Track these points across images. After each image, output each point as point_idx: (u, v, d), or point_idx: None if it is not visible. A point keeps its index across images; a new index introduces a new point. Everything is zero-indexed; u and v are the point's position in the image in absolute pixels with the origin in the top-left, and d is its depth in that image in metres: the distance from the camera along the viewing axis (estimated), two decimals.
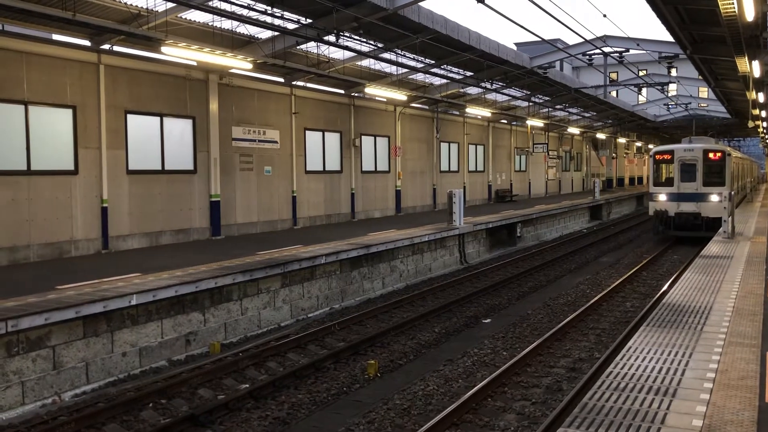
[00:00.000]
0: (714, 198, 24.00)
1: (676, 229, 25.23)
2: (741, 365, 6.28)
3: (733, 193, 21.90)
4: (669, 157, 25.54)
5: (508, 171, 41.55)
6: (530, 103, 35.70)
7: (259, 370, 10.86)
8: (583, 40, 25.36)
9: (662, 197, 25.43)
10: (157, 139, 17.96)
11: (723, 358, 6.51)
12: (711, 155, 24.81)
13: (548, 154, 45.43)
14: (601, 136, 53.32)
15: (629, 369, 6.23)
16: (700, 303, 9.07)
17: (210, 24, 17.39)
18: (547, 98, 35.91)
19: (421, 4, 18.39)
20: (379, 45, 21.09)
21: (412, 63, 23.37)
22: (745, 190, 41.30)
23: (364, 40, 20.33)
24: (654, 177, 26.07)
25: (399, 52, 21.85)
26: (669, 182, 25.55)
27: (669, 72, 36.73)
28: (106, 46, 16.36)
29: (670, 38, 18.69)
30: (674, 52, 26.04)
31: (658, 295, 15.65)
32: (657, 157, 26.01)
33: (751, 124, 33.61)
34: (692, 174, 24.90)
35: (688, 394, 5.53)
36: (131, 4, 15.48)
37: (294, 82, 22.70)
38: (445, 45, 21.67)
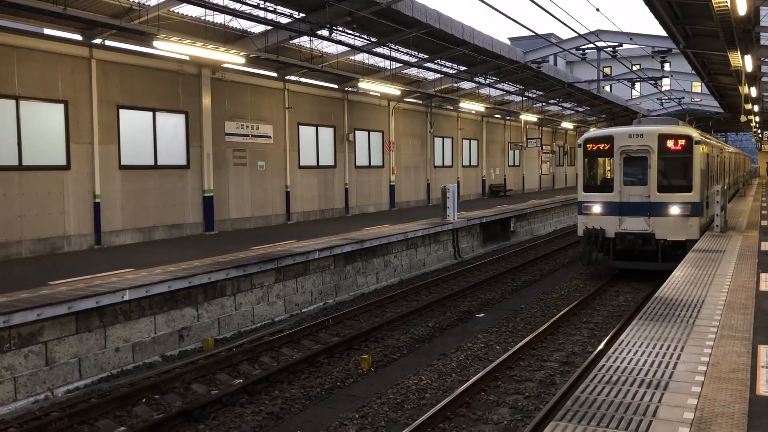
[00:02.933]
0: (675, 210, 15.89)
1: (617, 258, 16.80)
2: (732, 358, 6.31)
3: (708, 200, 17.72)
4: (607, 146, 16.78)
5: (501, 166, 41.59)
6: (524, 98, 35.71)
7: (253, 365, 10.85)
8: (576, 35, 25.35)
9: (596, 209, 16.72)
10: (150, 134, 17.89)
11: (714, 351, 6.53)
12: (670, 143, 16.05)
13: (542, 148, 45.50)
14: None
15: (621, 362, 6.25)
16: (692, 297, 9.10)
17: (202, 18, 17.30)
18: (540, 93, 35.92)
19: None
20: (373, 39, 21.04)
21: (406, 57, 23.32)
22: (737, 184, 41.08)
23: (358, 34, 20.27)
24: (585, 178, 17.31)
25: (393, 46, 21.80)
26: (607, 186, 16.84)
27: (662, 66, 36.73)
28: (98, 41, 16.27)
29: (663, 33, 18.73)
30: (667, 46, 26.00)
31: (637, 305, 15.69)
32: (589, 146, 17.16)
33: (743, 118, 33.68)
34: (641, 173, 16.34)
35: (679, 387, 5.55)
36: None
37: (287, 77, 22.63)
38: (439, 39, 21.63)
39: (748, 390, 5.45)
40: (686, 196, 15.96)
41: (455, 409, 8.54)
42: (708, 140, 19.05)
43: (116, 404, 8.93)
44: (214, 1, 15.44)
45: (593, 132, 17.83)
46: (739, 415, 4.91)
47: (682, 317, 7.97)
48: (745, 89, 22.03)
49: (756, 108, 30.94)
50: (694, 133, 16.37)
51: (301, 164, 23.74)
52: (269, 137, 22.05)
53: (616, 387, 5.59)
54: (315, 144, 24.57)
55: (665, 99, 43.56)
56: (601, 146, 16.91)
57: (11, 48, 14.43)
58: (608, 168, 17.09)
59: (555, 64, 55.20)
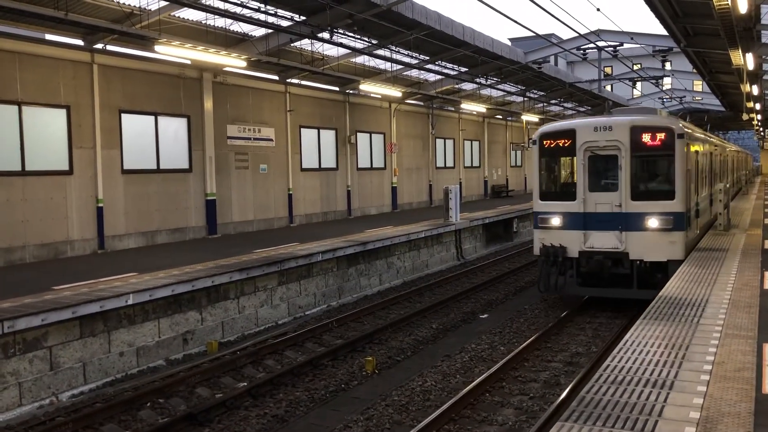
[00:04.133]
0: (653, 223, 12.73)
1: (583, 283, 13.52)
2: (738, 357, 6.29)
3: (698, 207, 14.95)
4: (567, 143, 13.60)
5: (503, 166, 41.59)
6: (525, 99, 35.70)
7: (257, 368, 10.85)
8: (577, 35, 25.36)
9: (555, 221, 13.58)
10: (152, 139, 17.91)
11: (720, 350, 6.52)
12: (646, 138, 12.90)
13: None
14: None
15: (626, 362, 6.24)
16: (696, 295, 9.09)
17: (203, 22, 17.34)
18: (542, 93, 35.91)
19: (414, 0, 18.37)
20: (374, 41, 21.06)
21: (407, 59, 23.34)
22: (740, 183, 40.88)
23: (359, 36, 20.30)
24: (541, 183, 14.17)
25: (393, 48, 21.82)
26: (568, 192, 13.65)
27: (663, 65, 36.71)
28: (100, 46, 16.30)
29: (664, 32, 18.72)
30: (668, 45, 25.98)
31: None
32: (545, 143, 13.96)
33: (745, 116, 33.63)
34: (611, 176, 13.24)
35: (685, 386, 5.54)
36: (124, 3, 15.42)
37: (288, 80, 22.66)
38: (440, 41, 21.65)
39: (753, 389, 5.44)
40: (667, 204, 12.74)
41: (460, 411, 8.54)
42: (697, 134, 15.60)
43: (121, 408, 8.93)
44: (215, 5, 15.47)
45: (551, 125, 14.15)
46: (745, 414, 4.90)
47: (686, 316, 7.96)
48: (746, 87, 22.00)
49: (758, 106, 30.91)
50: (677, 125, 12.99)
51: (303, 167, 23.76)
52: (271, 140, 22.07)
53: (622, 387, 5.58)
54: (317, 146, 24.58)
55: (666, 98, 43.52)
56: (561, 142, 13.62)
57: (13, 54, 14.47)
58: (570, 170, 13.94)
59: (556, 64, 55.19)
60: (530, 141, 14.34)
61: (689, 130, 14.04)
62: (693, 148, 14.13)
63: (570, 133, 13.53)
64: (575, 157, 13.48)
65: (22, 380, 9.26)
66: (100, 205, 16.36)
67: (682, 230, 12.77)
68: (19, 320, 9.07)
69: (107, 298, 10.29)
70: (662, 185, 13.14)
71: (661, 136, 12.83)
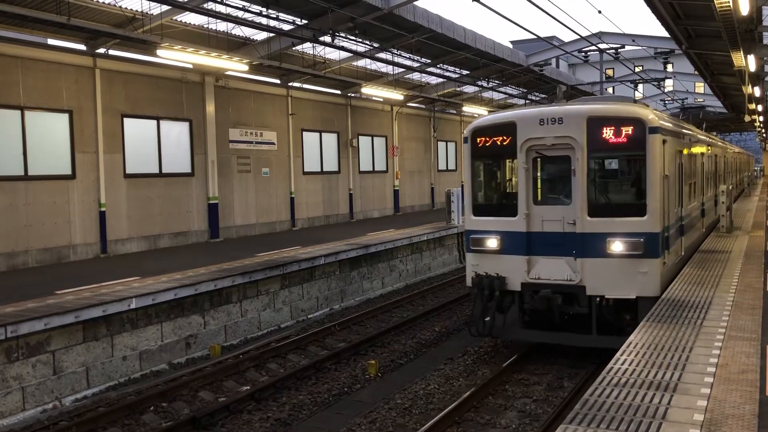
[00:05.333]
0: (617, 247, 9.68)
1: (528, 325, 10.48)
2: (741, 359, 6.28)
3: (682, 223, 11.86)
4: (507, 140, 10.50)
5: None
6: (527, 101, 35.70)
7: (260, 372, 10.85)
8: (578, 37, 25.35)
9: (491, 243, 10.52)
10: (154, 143, 17.93)
11: (723, 353, 6.51)
12: (608, 133, 9.87)
13: None
14: None
15: (630, 365, 6.23)
16: (699, 298, 9.07)
17: (205, 26, 17.36)
18: (543, 96, 35.91)
19: (416, 3, 18.41)
20: (375, 45, 21.08)
21: (408, 62, 23.36)
22: (742, 184, 40.65)
23: (360, 40, 20.32)
24: (475, 191, 11.17)
25: (395, 51, 21.84)
26: (507, 205, 10.71)
27: (665, 67, 36.67)
28: (102, 50, 16.34)
29: (665, 34, 18.71)
30: (670, 47, 26.00)
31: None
32: (480, 140, 10.86)
33: (747, 118, 33.62)
34: (562, 184, 10.43)
35: (688, 388, 5.53)
36: (126, 8, 15.45)
37: (290, 84, 22.69)
38: (441, 44, 21.67)
39: (757, 391, 5.43)
40: (637, 222, 9.59)
41: (463, 414, 8.53)
42: (679, 129, 12.35)
43: (124, 413, 8.93)
44: (217, 10, 15.50)
45: (486, 117, 11.07)
46: (749, 416, 4.89)
47: (689, 319, 7.94)
48: (748, 89, 21.98)
49: (760, 108, 30.88)
50: (648, 115, 9.76)
51: (306, 170, 23.77)
52: (273, 144, 22.09)
53: (625, 389, 5.57)
54: (318, 150, 24.60)
55: (668, 100, 43.52)
56: (499, 140, 10.46)
57: (16, 59, 14.50)
58: (508, 174, 10.99)
59: (557, 66, 55.20)
60: (462, 140, 11.17)
61: (668, 124, 10.89)
62: (674, 147, 11.07)
63: (509, 128, 10.30)
64: (515, 160, 10.36)
65: (25, 385, 9.27)
66: (103, 209, 16.38)
67: (657, 257, 9.51)
68: (22, 324, 9.09)
69: (110, 303, 10.30)
70: (630, 197, 10.10)
71: (627, 130, 9.60)
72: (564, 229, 9.94)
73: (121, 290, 11.20)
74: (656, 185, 9.67)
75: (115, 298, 10.46)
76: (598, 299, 9.70)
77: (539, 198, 10.38)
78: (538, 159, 10.31)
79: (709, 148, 17.75)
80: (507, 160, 10.82)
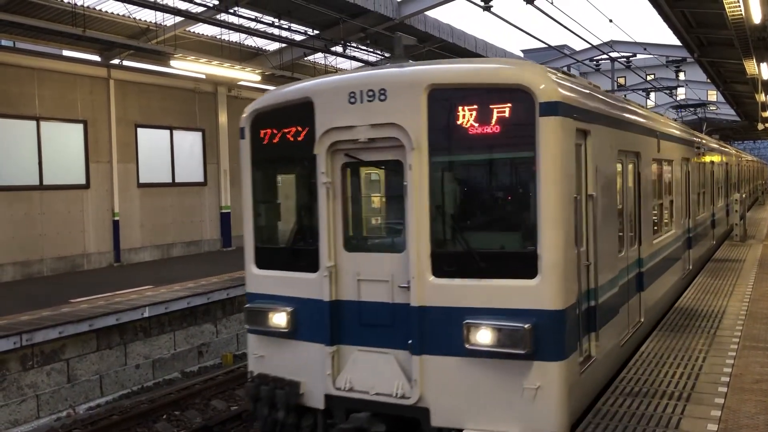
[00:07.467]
0: (484, 338, 5.06)
1: None
2: (756, 369, 6.23)
3: (640, 276, 7.54)
4: (303, 133, 5.93)
5: None
6: None
7: None
8: (590, 46, 25.32)
9: (278, 319, 5.95)
10: (167, 152, 18.08)
11: (737, 362, 6.46)
12: (465, 115, 5.21)
13: None
14: None
15: (643, 374, 6.20)
16: (712, 307, 9.01)
17: (218, 37, 17.52)
18: None
19: (427, 13, 18.47)
20: (386, 55, 21.17)
21: None
22: (756, 193, 40.27)
23: (371, 50, 20.42)
24: (257, 223, 6.44)
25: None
26: (304, 250, 6.15)
27: (677, 76, 36.58)
28: (116, 61, 16.53)
29: (677, 42, 18.66)
30: (682, 55, 25.92)
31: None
32: (262, 133, 6.20)
33: (761, 126, 33.40)
34: (391, 213, 6.08)
35: (702, 398, 5.49)
36: (140, 19, 15.63)
37: None
38: (452, 53, 21.69)
39: None
40: (521, 289, 5.15)
41: None
42: (624, 112, 7.49)
43: (137, 421, 8.97)
44: (230, 21, 15.65)
45: (272, 93, 6.52)
46: (763, 427, 4.85)
47: (703, 328, 7.89)
48: (761, 97, 21.86)
49: None
50: (541, 83, 5.13)
51: None
52: None
53: (638, 399, 5.54)
54: None
55: (681, 109, 43.34)
56: (290, 133, 6.13)
57: (32, 70, 14.68)
58: (301, 194, 6.46)
59: None
60: (239, 132, 6.57)
61: (589, 101, 6.03)
62: (612, 143, 6.62)
63: (303, 111, 5.93)
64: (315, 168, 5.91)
65: (39, 392, 9.34)
66: (116, 218, 16.51)
67: (560, 357, 5.07)
68: (37, 333, 9.17)
69: (123, 311, 10.38)
70: (509, 239, 5.64)
71: (502, 109, 5.20)
72: (393, 299, 5.58)
73: (135, 299, 11.28)
74: (556, 217, 5.11)
75: (129, 307, 10.54)
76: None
77: (352, 239, 5.97)
78: (348, 167, 5.90)
79: (719, 155, 15.76)
80: (306, 170, 6.11)
